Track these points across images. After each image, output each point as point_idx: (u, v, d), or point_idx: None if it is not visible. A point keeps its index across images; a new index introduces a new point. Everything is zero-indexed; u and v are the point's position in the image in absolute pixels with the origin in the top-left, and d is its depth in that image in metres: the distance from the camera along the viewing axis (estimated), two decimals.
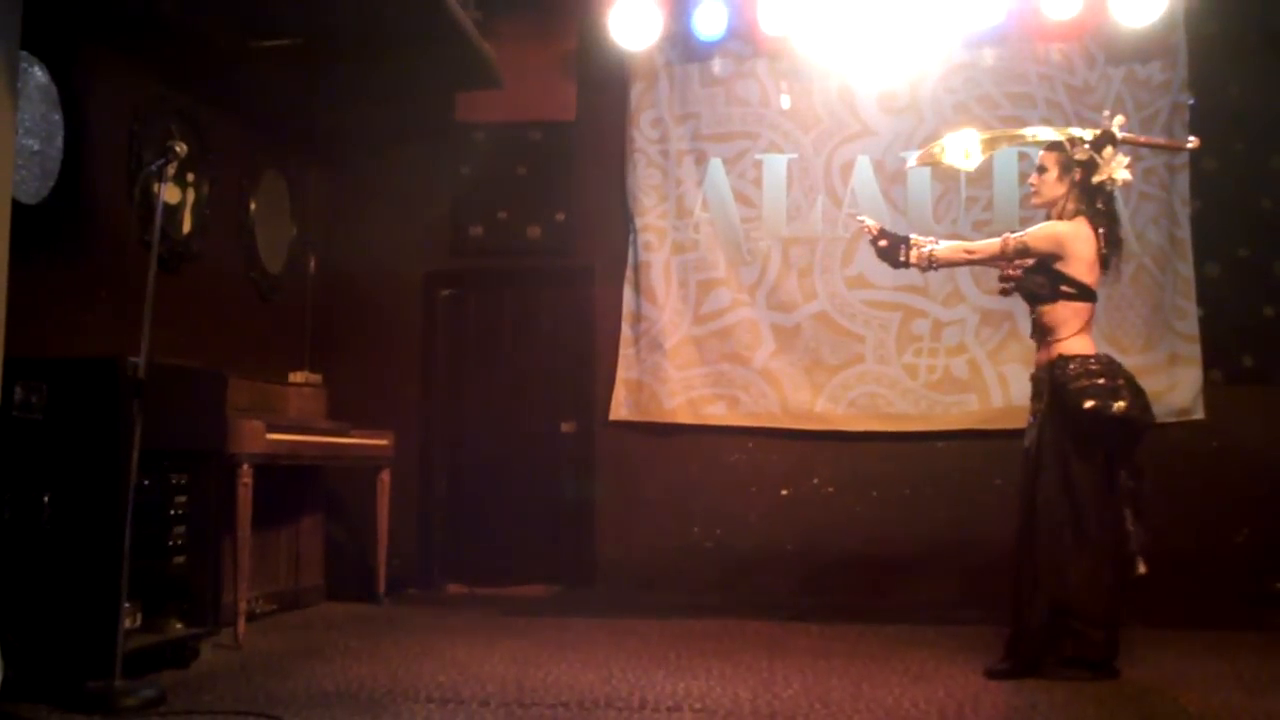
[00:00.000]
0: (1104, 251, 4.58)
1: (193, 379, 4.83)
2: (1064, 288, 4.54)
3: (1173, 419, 6.58)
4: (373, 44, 6.30)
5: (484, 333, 7.53)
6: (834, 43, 6.91)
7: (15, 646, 3.84)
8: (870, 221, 4.82)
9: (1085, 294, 4.55)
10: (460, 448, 7.42)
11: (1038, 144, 4.88)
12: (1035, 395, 4.67)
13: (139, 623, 4.46)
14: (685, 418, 7.06)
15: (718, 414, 7.04)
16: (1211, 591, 6.37)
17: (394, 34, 6.20)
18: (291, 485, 6.13)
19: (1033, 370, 4.73)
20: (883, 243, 4.73)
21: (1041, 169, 4.71)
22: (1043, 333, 4.62)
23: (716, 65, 7.24)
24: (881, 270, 6.76)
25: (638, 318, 7.18)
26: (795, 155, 7.13)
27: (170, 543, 4.68)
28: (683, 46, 7.22)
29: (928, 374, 6.89)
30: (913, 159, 5.22)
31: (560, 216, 7.43)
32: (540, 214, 7.45)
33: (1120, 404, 4.39)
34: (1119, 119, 4.69)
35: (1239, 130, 6.80)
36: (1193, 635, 5.51)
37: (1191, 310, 6.74)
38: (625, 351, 7.19)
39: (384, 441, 6.52)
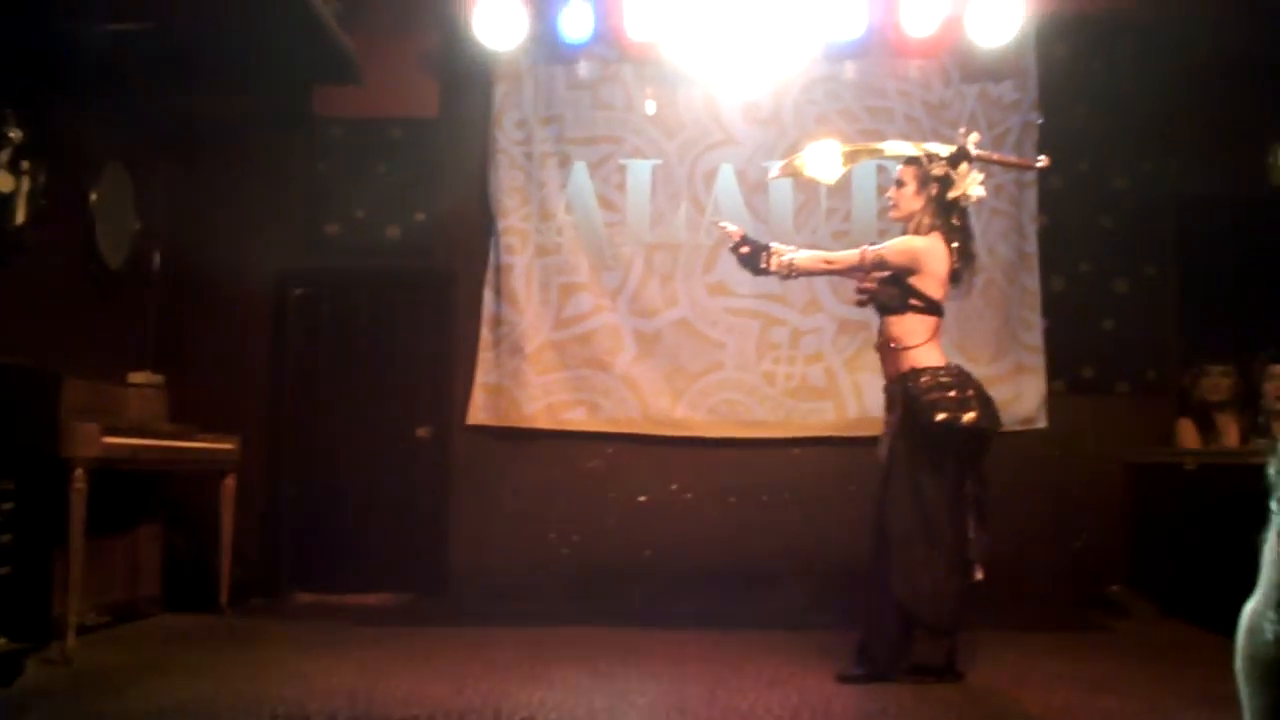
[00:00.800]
0: (956, 266, 4.68)
1: (22, 377, 4.58)
2: (913, 300, 4.62)
3: (1018, 427, 6.79)
4: (226, 33, 6.07)
5: (338, 334, 7.31)
6: (699, 50, 6.92)
7: None
8: (733, 227, 4.83)
9: (933, 308, 4.65)
10: (311, 452, 7.18)
11: (896, 158, 4.97)
12: (889, 407, 4.74)
13: None
14: (544, 423, 6.99)
15: (577, 419, 6.99)
16: (1052, 595, 6.60)
17: (249, 23, 5.98)
18: (129, 491, 5.85)
19: (885, 382, 4.80)
20: (744, 249, 4.73)
21: (900, 183, 4.78)
22: (891, 342, 4.68)
23: (582, 68, 7.19)
24: (742, 278, 6.79)
25: (498, 321, 7.09)
26: (659, 161, 7.13)
27: None
28: (548, 48, 7.14)
29: (786, 381, 6.97)
30: (775, 169, 5.26)
31: (420, 216, 7.29)
32: (399, 213, 7.29)
33: (970, 415, 4.48)
34: (974, 136, 4.81)
35: (1084, 151, 7.06)
36: (1034, 637, 5.68)
37: (1037, 322, 6.97)
38: (484, 355, 7.08)
39: (230, 446, 6.29)
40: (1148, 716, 3.98)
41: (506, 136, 7.17)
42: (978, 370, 6.69)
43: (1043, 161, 5.33)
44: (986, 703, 4.24)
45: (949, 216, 4.69)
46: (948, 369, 4.62)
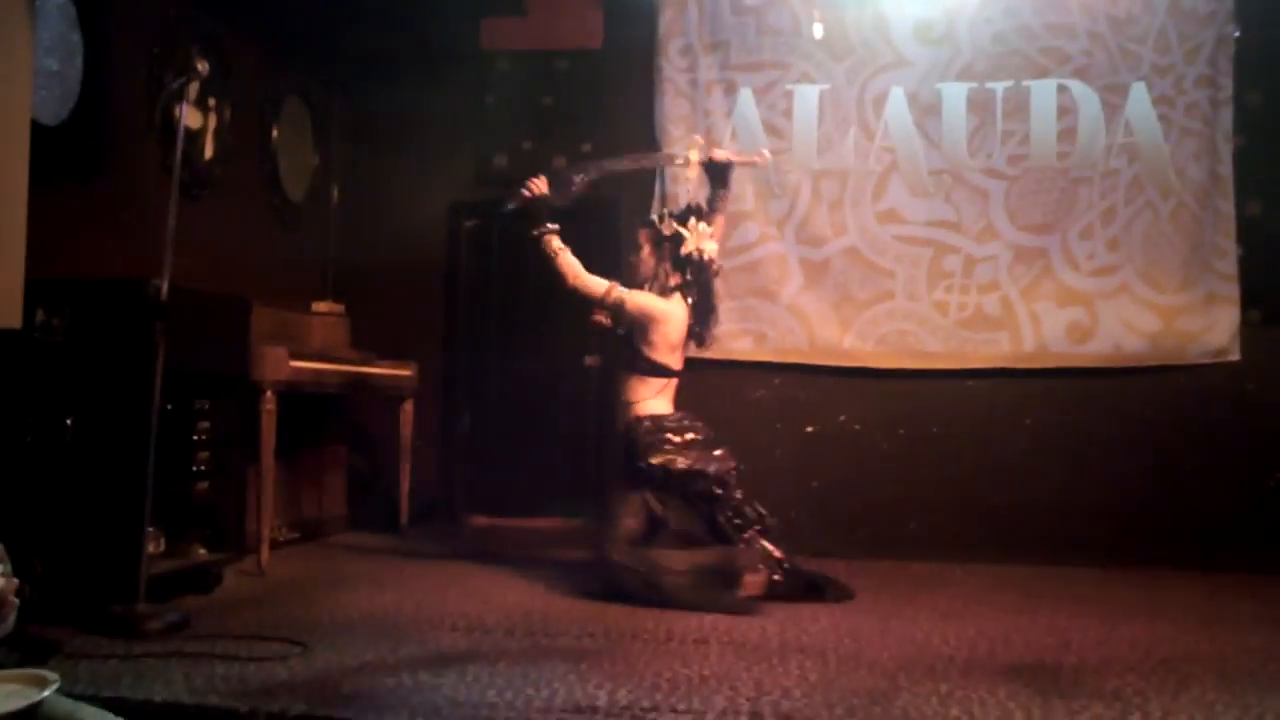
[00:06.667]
0: (694, 326, 5.11)
1: (216, 304, 4.79)
2: (641, 364, 4.93)
3: (1208, 360, 6.47)
4: None
5: (508, 265, 7.42)
6: None
7: (40, 569, 3.81)
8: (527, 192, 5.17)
9: (658, 371, 4.99)
10: (483, 380, 7.35)
11: (637, 171, 5.66)
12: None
13: (162, 547, 4.46)
14: (711, 352, 6.92)
15: (744, 349, 6.94)
16: (1241, 535, 6.27)
17: None
18: (314, 414, 6.09)
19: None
20: (513, 206, 5.24)
21: (637, 246, 5.07)
22: (620, 395, 5.01)
23: None
24: (913, 206, 6.72)
25: None
26: (827, 86, 6.96)
27: (193, 468, 4.65)
28: None
29: (958, 311, 6.76)
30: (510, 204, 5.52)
31: (587, 147, 7.30)
32: (566, 145, 7.32)
33: (685, 461, 4.84)
34: (697, 138, 5.14)
35: None
36: (1223, 577, 5.47)
37: (1231, 249, 6.57)
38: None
39: (408, 371, 6.48)
40: None
41: (671, 65, 7.10)
42: (1165, 300, 6.49)
43: (763, 157, 5.54)
44: (1175, 642, 4.07)
45: (685, 272, 4.97)
46: (671, 417, 4.92)
